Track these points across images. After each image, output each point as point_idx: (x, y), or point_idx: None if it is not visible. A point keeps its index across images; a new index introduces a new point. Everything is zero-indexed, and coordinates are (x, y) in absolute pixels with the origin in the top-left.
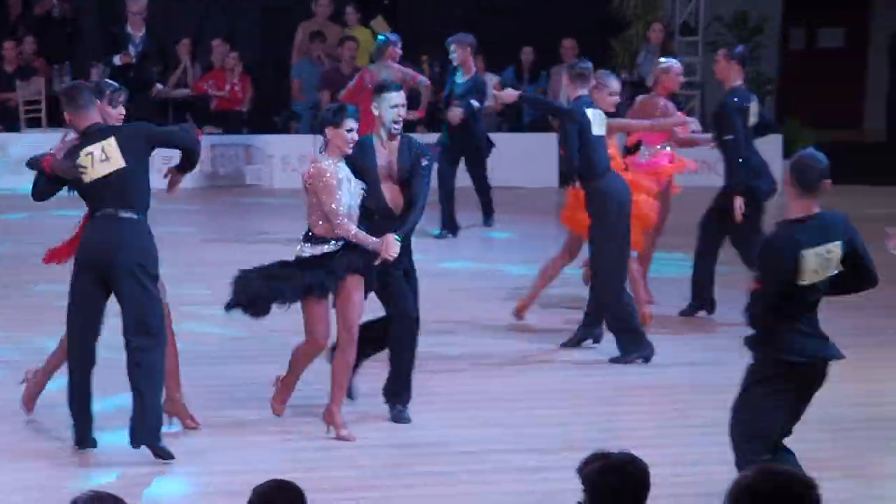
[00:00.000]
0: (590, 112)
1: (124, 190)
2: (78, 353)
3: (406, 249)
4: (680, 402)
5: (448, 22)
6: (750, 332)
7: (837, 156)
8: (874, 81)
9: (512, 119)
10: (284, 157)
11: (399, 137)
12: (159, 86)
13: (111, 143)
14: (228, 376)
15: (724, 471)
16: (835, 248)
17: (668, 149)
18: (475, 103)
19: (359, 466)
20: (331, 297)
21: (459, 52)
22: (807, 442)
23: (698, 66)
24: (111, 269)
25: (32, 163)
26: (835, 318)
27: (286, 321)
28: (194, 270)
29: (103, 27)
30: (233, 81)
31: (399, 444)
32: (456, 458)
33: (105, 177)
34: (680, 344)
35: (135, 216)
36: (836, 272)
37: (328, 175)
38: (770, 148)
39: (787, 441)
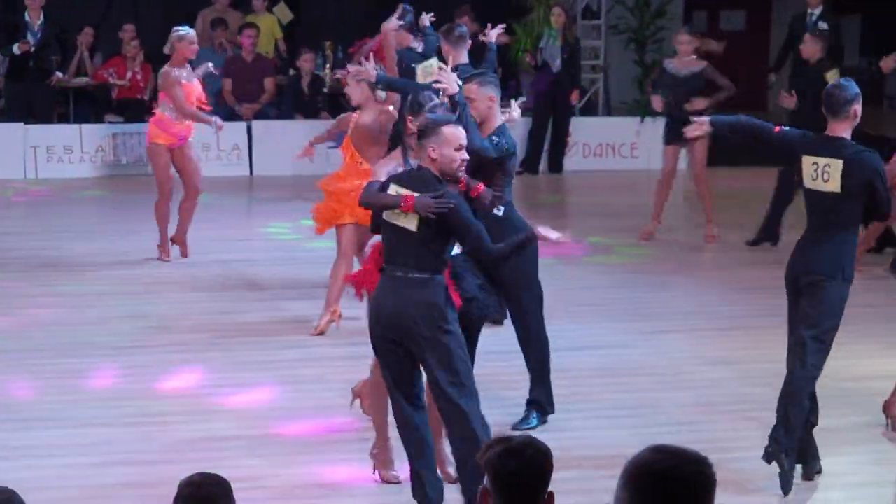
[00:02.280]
0: None
1: None
2: None
3: None
4: (585, 386)
5: (350, 8)
6: None
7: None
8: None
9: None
10: None
11: None
12: (59, 74)
13: None
14: None
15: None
16: (834, 163)
17: None
18: None
19: None
20: None
21: None
22: (721, 422)
23: (601, 50)
24: None
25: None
26: (740, 301)
27: None
28: (96, 260)
29: (2, 15)
30: (134, 69)
31: None
32: None
33: None
34: (585, 329)
35: None
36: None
37: None
38: None
39: (695, 423)
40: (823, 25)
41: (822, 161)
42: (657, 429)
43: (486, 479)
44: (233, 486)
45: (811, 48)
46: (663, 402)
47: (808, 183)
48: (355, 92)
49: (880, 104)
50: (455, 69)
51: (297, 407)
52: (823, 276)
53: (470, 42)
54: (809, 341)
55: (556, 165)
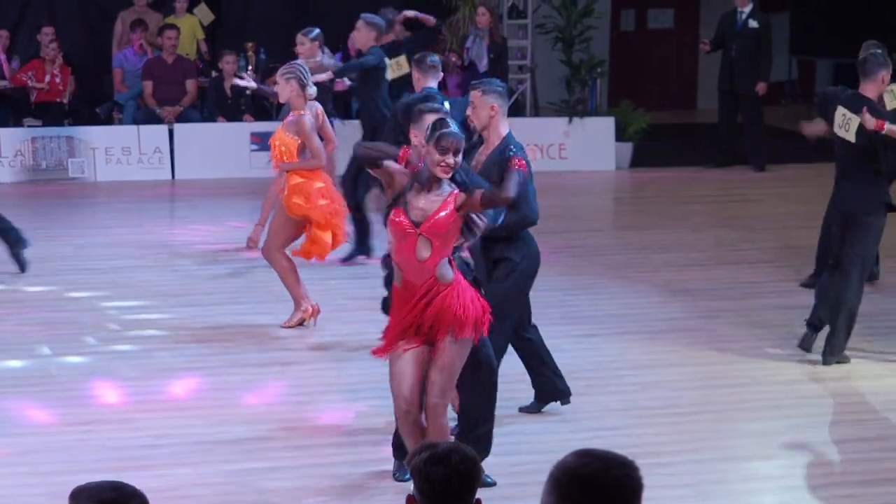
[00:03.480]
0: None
1: None
2: None
3: None
4: (513, 391)
5: (271, 9)
6: None
7: (671, 137)
8: (705, 62)
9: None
10: (108, 148)
11: None
12: None
13: None
14: None
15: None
16: (855, 118)
17: None
18: None
19: None
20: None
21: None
22: (650, 426)
23: (528, 49)
24: None
25: None
26: (669, 304)
27: None
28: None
29: None
30: (53, 72)
31: None
32: None
33: None
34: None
35: None
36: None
37: None
38: (601, 130)
39: (624, 427)
40: (753, 23)
41: (848, 114)
42: (585, 433)
43: (412, 486)
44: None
45: None
46: (592, 406)
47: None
48: (284, 90)
49: (810, 102)
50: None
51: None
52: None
53: (441, 74)
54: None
55: None
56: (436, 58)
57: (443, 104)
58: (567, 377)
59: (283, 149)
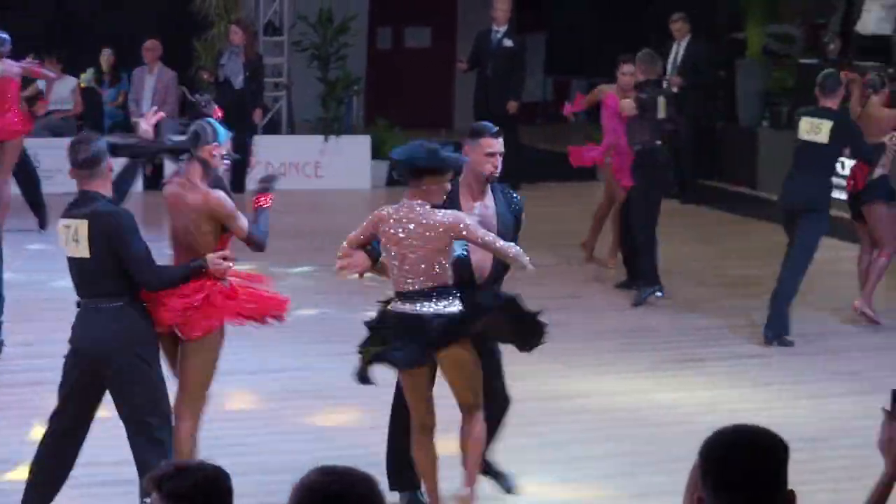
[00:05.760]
0: None
1: None
2: None
3: None
4: (271, 409)
5: (26, 24)
6: None
7: None
8: (462, 81)
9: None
10: None
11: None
12: None
13: None
14: None
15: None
16: (824, 125)
17: None
18: None
19: None
20: None
21: None
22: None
23: (284, 67)
24: None
25: None
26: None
27: None
28: None
29: None
30: None
31: None
32: None
33: None
34: (269, 350)
35: None
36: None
37: None
38: (359, 149)
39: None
40: (508, 43)
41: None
42: (338, 452)
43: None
44: None
45: None
46: (346, 426)
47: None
48: None
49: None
50: None
51: None
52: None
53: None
54: None
55: (238, 185)
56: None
57: None
58: (320, 395)
59: None
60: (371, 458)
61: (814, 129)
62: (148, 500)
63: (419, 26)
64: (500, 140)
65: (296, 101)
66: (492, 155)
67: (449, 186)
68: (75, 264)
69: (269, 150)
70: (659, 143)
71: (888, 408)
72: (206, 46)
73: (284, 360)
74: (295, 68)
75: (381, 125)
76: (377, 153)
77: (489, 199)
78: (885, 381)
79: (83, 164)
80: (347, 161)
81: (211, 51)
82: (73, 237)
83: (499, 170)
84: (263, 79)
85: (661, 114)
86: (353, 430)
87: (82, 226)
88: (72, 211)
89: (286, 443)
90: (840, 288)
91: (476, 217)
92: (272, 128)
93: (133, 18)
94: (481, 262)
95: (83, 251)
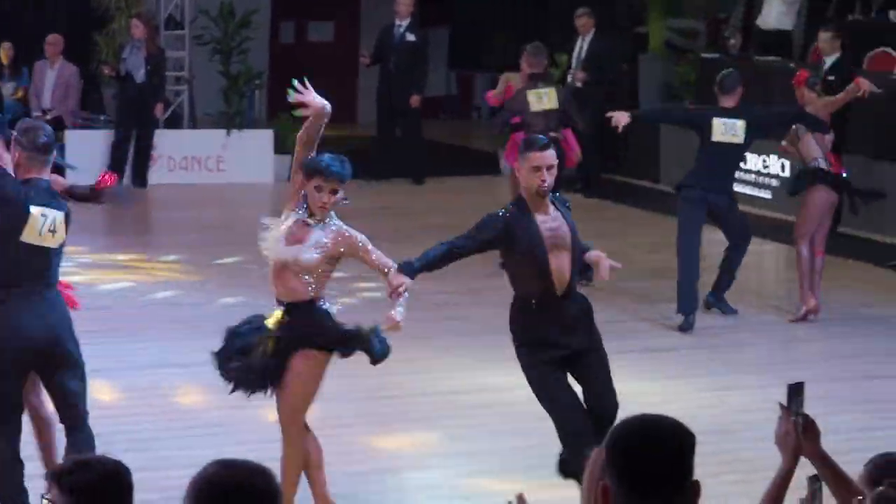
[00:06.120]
0: None
1: None
2: None
3: None
4: (173, 404)
5: None
6: None
7: (330, 150)
8: (365, 76)
9: None
10: None
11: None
12: None
13: None
14: None
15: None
16: (741, 123)
17: None
18: None
19: None
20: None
21: None
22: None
23: (186, 61)
24: None
25: None
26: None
27: None
28: None
29: None
30: None
31: None
32: None
33: None
34: (176, 345)
35: None
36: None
37: None
38: (261, 143)
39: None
40: (411, 37)
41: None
42: (240, 447)
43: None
44: None
45: None
46: (248, 420)
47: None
48: None
49: (469, 116)
50: None
51: None
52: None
53: None
54: None
55: (140, 179)
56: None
57: None
58: (223, 390)
59: None
60: (274, 452)
61: (729, 130)
62: (49, 495)
63: (322, 20)
64: (548, 152)
65: (198, 96)
66: (538, 169)
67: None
68: (38, 252)
69: (170, 145)
70: (553, 134)
71: (784, 402)
72: (107, 41)
73: (187, 355)
74: (197, 62)
75: (283, 119)
76: (280, 147)
77: (553, 211)
78: (790, 375)
79: (43, 149)
80: (250, 155)
81: (112, 45)
82: (49, 228)
83: (547, 183)
84: (165, 73)
85: (551, 105)
86: (257, 425)
87: (60, 217)
88: (43, 200)
89: (188, 438)
90: (751, 283)
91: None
92: (174, 122)
93: (34, 12)
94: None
95: (56, 241)
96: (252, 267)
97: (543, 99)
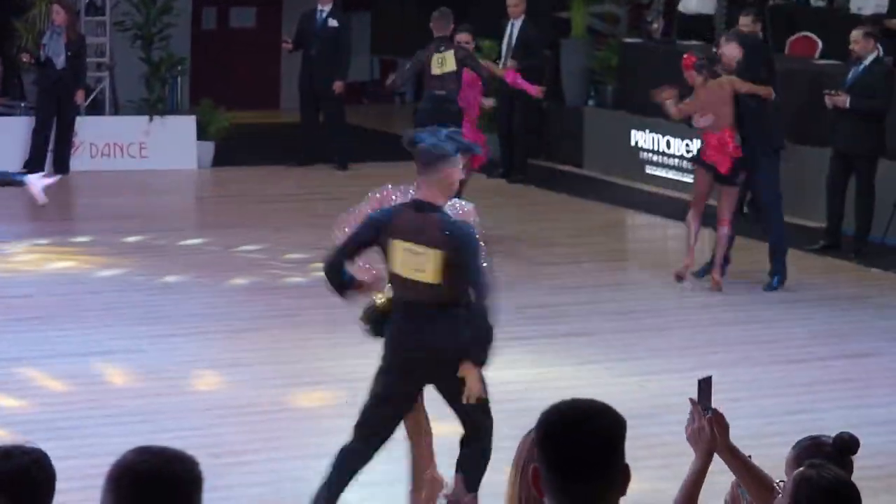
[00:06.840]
0: None
1: None
2: None
3: None
4: (96, 393)
5: None
6: None
7: (254, 136)
8: (288, 62)
9: None
10: None
11: None
12: None
13: None
14: None
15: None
16: None
17: None
18: None
19: None
20: None
21: None
22: (230, 425)
23: (107, 47)
24: None
25: None
26: (250, 303)
27: None
28: None
29: None
30: None
31: None
32: None
33: None
34: (93, 334)
35: None
36: None
37: None
38: (182, 129)
39: (206, 427)
40: (333, 22)
41: None
42: (164, 434)
43: None
44: None
45: None
46: (173, 407)
47: None
48: None
49: (392, 101)
50: None
51: None
52: None
53: None
54: None
55: (61, 166)
56: None
57: None
58: (147, 377)
59: None
60: (200, 438)
61: None
62: None
63: (244, 6)
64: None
65: (119, 82)
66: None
67: None
68: None
69: (92, 131)
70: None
71: (695, 398)
72: (27, 27)
73: (110, 343)
74: (118, 48)
75: (206, 105)
76: (202, 133)
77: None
78: (710, 359)
79: None
80: (173, 141)
81: (32, 31)
82: None
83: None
84: (86, 59)
85: (448, 68)
86: (180, 412)
87: None
88: None
89: (111, 426)
90: (671, 265)
91: None
92: (96, 108)
93: None
94: None
95: None
96: (176, 254)
97: (443, 63)
